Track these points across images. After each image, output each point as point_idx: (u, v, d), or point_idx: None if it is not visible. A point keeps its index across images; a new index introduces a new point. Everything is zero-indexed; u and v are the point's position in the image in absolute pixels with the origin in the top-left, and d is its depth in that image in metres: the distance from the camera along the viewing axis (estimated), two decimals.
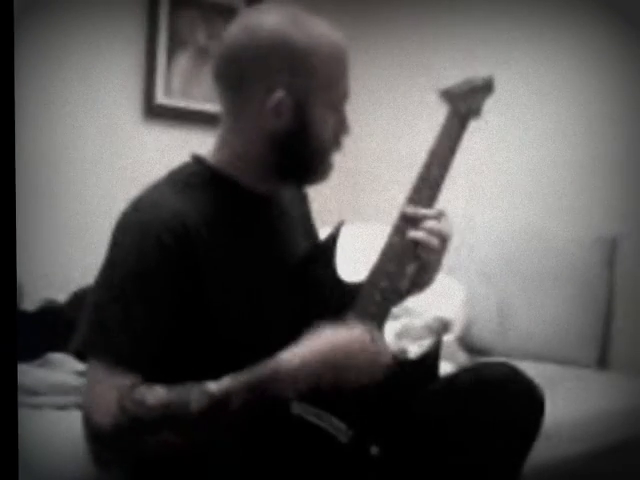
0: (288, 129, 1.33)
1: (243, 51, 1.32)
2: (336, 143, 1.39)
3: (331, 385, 1.27)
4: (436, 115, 1.52)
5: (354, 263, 1.61)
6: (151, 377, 1.26)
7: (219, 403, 1.23)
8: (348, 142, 1.43)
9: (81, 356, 1.32)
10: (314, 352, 1.26)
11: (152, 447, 1.25)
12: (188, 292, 1.29)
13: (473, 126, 1.50)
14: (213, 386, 1.23)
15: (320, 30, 1.34)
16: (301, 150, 1.35)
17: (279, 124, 1.33)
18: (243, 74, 1.32)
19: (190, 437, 1.25)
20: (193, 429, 1.24)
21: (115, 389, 1.23)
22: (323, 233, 1.53)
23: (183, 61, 3.02)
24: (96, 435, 1.24)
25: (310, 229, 1.58)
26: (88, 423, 1.25)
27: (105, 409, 1.22)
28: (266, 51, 1.31)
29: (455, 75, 1.58)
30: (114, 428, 1.22)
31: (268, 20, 1.32)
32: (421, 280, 1.45)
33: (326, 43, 1.33)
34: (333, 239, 1.46)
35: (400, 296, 1.46)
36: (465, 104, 1.48)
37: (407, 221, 1.40)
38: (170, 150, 2.87)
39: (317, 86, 1.33)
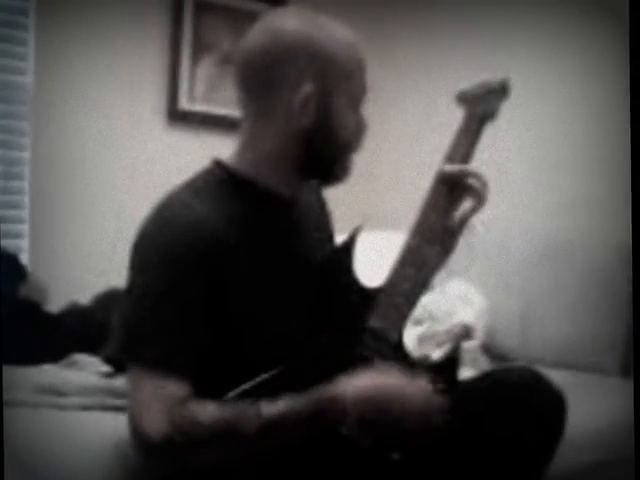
0: (314, 126, 1.34)
1: (268, 54, 1.33)
2: (357, 142, 1.41)
3: (382, 422, 1.28)
4: (455, 120, 1.52)
5: (371, 269, 1.60)
6: (193, 382, 1.26)
7: (273, 427, 1.23)
8: (366, 147, 1.44)
9: (115, 363, 1.33)
10: (374, 388, 1.27)
11: (202, 462, 1.25)
12: (217, 296, 1.29)
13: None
14: (267, 409, 1.23)
15: (337, 30, 1.37)
16: (326, 147, 1.37)
17: (306, 121, 1.34)
18: (269, 76, 1.34)
19: (240, 456, 1.25)
20: (244, 449, 1.24)
21: (163, 400, 1.23)
22: (340, 239, 1.53)
23: (207, 66, 3.04)
24: (145, 446, 1.25)
25: (329, 232, 1.59)
26: (136, 433, 1.25)
27: (154, 420, 1.23)
28: (290, 52, 1.33)
29: (472, 80, 1.58)
30: (164, 441, 1.22)
31: (289, 23, 1.35)
32: (449, 243, 1.45)
33: (344, 42, 1.36)
34: (351, 243, 1.46)
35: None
36: (481, 107, 1.48)
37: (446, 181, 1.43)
38: (193, 155, 2.87)
39: (339, 83, 1.35)
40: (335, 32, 1.36)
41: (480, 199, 1.43)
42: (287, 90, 1.33)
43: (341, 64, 1.34)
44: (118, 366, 1.33)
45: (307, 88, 1.32)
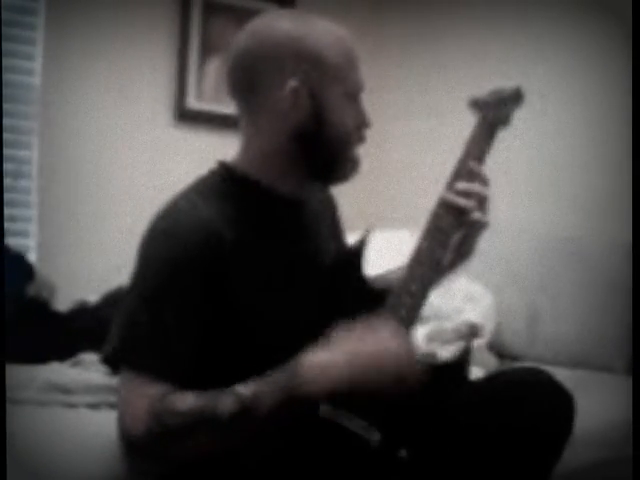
0: (307, 120, 1.34)
1: (254, 54, 1.34)
2: (358, 136, 1.40)
3: (359, 389, 1.26)
4: (464, 123, 1.52)
5: (380, 269, 1.61)
6: (183, 385, 1.26)
7: (248, 406, 1.22)
8: (369, 148, 1.44)
9: (112, 364, 1.34)
10: (341, 354, 1.24)
11: (184, 453, 1.25)
12: (219, 299, 1.29)
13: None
14: (242, 389, 1.23)
15: (325, 27, 1.37)
16: (323, 142, 1.36)
17: (298, 115, 1.34)
18: (257, 75, 1.34)
19: (221, 442, 1.25)
20: (224, 434, 1.24)
21: (146, 398, 1.24)
22: (349, 240, 1.53)
23: (215, 66, 3.04)
24: (129, 443, 1.25)
25: (338, 233, 1.59)
26: (122, 432, 1.26)
27: (137, 417, 1.23)
28: (276, 49, 1.33)
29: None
30: (146, 436, 1.23)
31: (276, 23, 1.36)
32: (465, 249, 1.45)
33: (332, 37, 1.36)
34: (362, 245, 1.46)
35: (441, 273, 1.46)
36: (494, 113, 1.48)
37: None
38: (201, 153, 2.89)
39: (329, 77, 1.34)
40: (323, 29, 1.36)
41: (483, 220, 1.43)
42: (273, 87, 1.33)
43: (330, 60, 1.34)
44: (114, 367, 1.34)
45: (292, 84, 1.32)
